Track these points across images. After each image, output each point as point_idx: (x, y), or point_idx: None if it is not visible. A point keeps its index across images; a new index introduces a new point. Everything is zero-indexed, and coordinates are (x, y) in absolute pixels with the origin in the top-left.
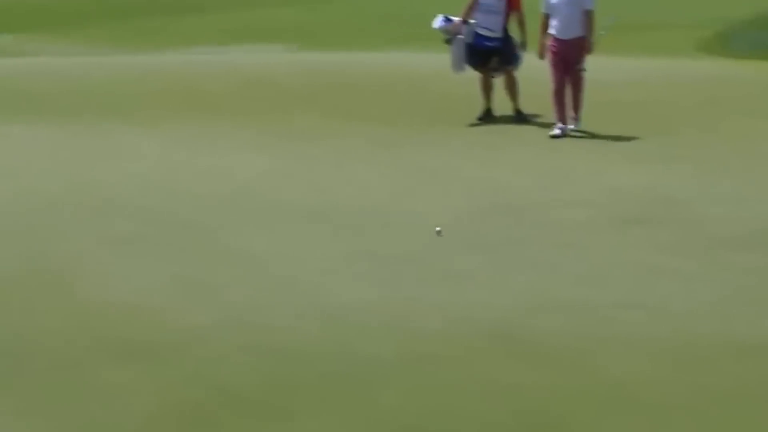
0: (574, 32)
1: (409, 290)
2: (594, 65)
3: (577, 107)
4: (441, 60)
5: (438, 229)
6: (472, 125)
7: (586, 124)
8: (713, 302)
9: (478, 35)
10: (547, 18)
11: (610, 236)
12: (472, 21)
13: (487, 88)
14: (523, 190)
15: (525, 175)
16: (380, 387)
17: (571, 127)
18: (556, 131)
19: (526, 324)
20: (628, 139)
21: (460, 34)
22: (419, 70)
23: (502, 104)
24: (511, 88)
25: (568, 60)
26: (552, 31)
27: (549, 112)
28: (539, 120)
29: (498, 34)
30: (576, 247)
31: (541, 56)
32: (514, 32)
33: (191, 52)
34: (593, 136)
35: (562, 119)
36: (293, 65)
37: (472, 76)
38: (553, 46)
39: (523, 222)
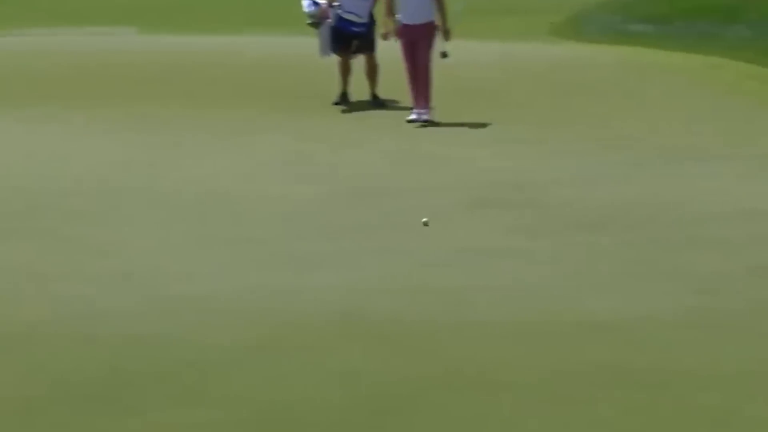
0: (422, 17)
1: (256, 276)
2: (449, 50)
3: (426, 99)
4: (297, 43)
5: (425, 220)
6: (329, 109)
7: (442, 110)
8: (563, 283)
9: (343, 19)
10: (390, 1)
11: (462, 220)
12: (336, 4)
13: (345, 72)
14: (377, 175)
15: (380, 160)
16: (227, 376)
17: (425, 117)
18: (413, 116)
19: (375, 308)
20: (482, 124)
21: (327, 17)
22: (273, 53)
23: (358, 89)
24: (372, 72)
25: (418, 45)
26: (399, 17)
27: (406, 97)
28: (396, 105)
29: (364, 20)
30: (428, 231)
31: (385, 37)
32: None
33: (22, 34)
34: (448, 121)
35: (419, 104)
36: (138, 48)
37: (330, 59)
38: (402, 33)
39: (375, 207)
